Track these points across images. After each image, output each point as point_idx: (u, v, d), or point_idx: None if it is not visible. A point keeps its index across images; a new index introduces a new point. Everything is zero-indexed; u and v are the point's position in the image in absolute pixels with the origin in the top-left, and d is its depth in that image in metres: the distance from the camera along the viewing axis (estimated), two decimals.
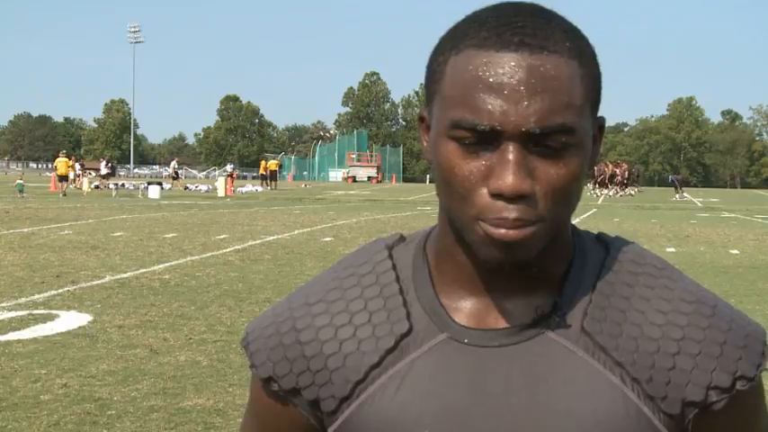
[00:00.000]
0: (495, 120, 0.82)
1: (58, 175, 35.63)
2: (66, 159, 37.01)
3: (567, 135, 0.83)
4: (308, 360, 0.95)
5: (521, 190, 0.82)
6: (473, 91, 0.83)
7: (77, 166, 44.32)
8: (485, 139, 0.83)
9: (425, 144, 0.93)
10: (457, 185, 0.85)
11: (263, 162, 52.93)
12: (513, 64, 0.83)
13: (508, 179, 0.82)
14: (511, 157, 0.82)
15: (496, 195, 0.83)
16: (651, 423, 0.89)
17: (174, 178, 49.82)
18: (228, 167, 54.72)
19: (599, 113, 0.92)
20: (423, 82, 0.93)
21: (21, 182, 33.53)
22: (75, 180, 40.51)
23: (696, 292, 0.94)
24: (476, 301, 0.93)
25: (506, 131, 0.82)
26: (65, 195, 33.20)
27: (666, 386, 0.89)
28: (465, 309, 0.93)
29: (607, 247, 0.97)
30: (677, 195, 42.26)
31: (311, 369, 0.95)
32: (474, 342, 0.91)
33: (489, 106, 0.82)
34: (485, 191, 0.84)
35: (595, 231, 1.03)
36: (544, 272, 0.93)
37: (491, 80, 0.83)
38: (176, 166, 53.19)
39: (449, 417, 0.90)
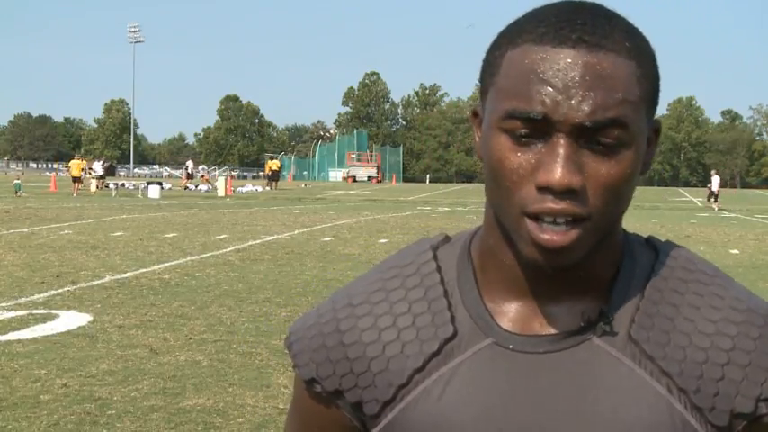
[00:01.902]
0: (547, 109, 0.81)
1: (71, 177, 36.96)
2: (79, 162, 38.40)
3: (620, 130, 0.82)
4: (352, 362, 0.94)
5: (570, 183, 0.81)
6: (528, 83, 0.83)
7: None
8: (536, 132, 0.83)
9: (477, 140, 0.92)
10: (505, 179, 0.84)
11: (268, 162, 53.40)
12: (569, 60, 0.82)
13: (557, 172, 0.81)
14: (561, 150, 0.81)
15: (544, 189, 0.82)
16: None
17: (189, 177, 50.62)
18: (189, 164, 54.45)
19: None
20: (477, 77, 0.92)
21: (18, 182, 33.61)
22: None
23: (747, 300, 0.92)
24: (521, 305, 0.92)
25: (558, 122, 0.81)
26: (76, 196, 33.81)
27: (714, 397, 0.87)
28: (510, 313, 0.92)
29: (656, 251, 0.96)
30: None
31: (354, 371, 0.94)
32: (519, 348, 0.90)
33: (543, 97, 0.82)
34: (532, 185, 0.83)
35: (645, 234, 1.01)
36: (592, 275, 0.91)
37: (547, 74, 0.82)
38: (193, 166, 54.39)
39: (492, 423, 0.89)
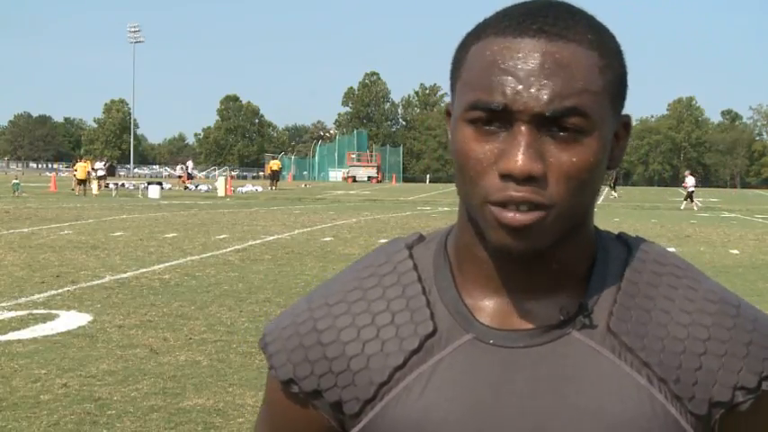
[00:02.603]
0: (507, 99, 0.82)
1: (77, 179, 37.40)
2: (86, 164, 38.92)
3: (581, 118, 0.83)
4: (330, 361, 0.93)
5: (530, 170, 0.82)
6: (489, 73, 0.84)
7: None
8: (498, 122, 0.84)
9: (450, 137, 0.92)
10: (469, 169, 0.85)
11: (270, 162, 53.79)
12: (529, 49, 0.84)
13: (518, 160, 0.81)
14: (521, 138, 0.82)
15: (506, 176, 0.83)
16: (678, 424, 0.88)
17: (189, 177, 50.92)
18: (179, 168, 54.64)
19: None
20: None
21: (16, 181, 33.67)
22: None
23: (719, 292, 0.93)
24: (499, 301, 0.92)
25: (518, 112, 0.82)
26: (86, 196, 34.30)
27: (693, 386, 0.88)
28: (488, 308, 0.92)
29: (629, 246, 0.97)
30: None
31: (333, 371, 0.93)
32: (499, 343, 0.90)
33: (503, 87, 0.83)
34: (496, 173, 0.84)
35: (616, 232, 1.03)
36: (566, 270, 0.92)
37: (507, 63, 0.84)
38: (192, 166, 54.65)
39: (475, 418, 0.89)
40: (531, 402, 0.88)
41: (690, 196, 36.52)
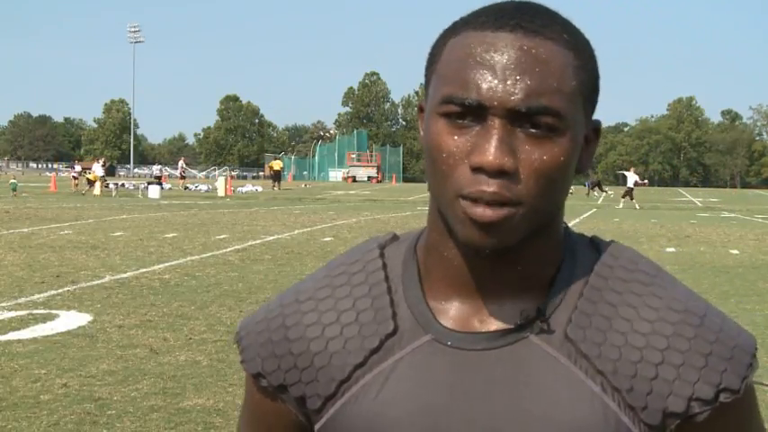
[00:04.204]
0: (482, 95, 0.83)
1: (87, 179, 37.95)
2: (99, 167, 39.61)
3: (554, 118, 0.83)
4: (296, 357, 0.95)
5: (502, 165, 0.82)
6: (465, 67, 0.84)
7: (78, 168, 44.85)
8: (472, 116, 0.84)
9: (422, 133, 0.93)
10: (441, 162, 0.85)
11: (271, 162, 53.97)
12: (505, 43, 0.84)
13: (489, 153, 0.82)
14: (494, 132, 0.82)
15: (477, 170, 0.83)
16: None
17: (182, 177, 51.12)
18: (155, 168, 54.56)
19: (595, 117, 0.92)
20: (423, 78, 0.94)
21: (14, 181, 33.71)
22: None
23: (686, 301, 0.92)
24: (462, 303, 0.92)
25: (492, 107, 0.82)
26: (94, 196, 34.69)
27: (647, 396, 0.87)
28: (451, 310, 0.92)
29: (599, 251, 0.96)
30: (596, 193, 37.90)
31: (298, 366, 0.95)
32: (457, 345, 0.90)
33: (478, 82, 0.83)
34: (468, 167, 0.84)
35: (591, 234, 1.02)
36: (532, 274, 0.91)
37: (483, 56, 0.84)
38: (184, 166, 54.76)
39: (428, 418, 0.89)
40: (483, 405, 0.88)
41: (629, 193, 34.47)
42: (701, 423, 0.88)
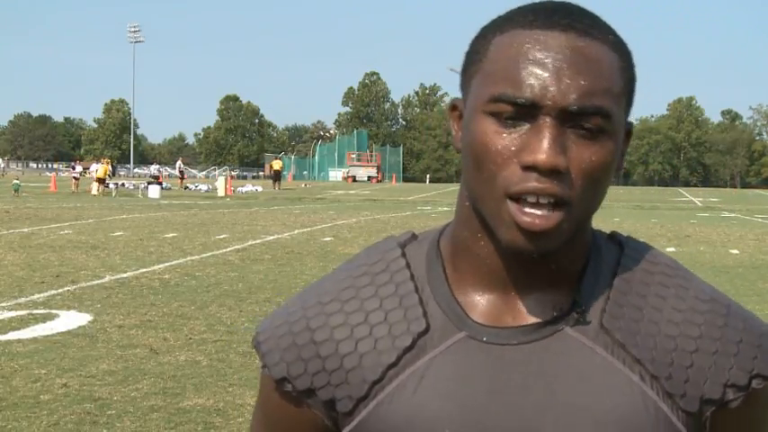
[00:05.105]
0: (535, 94, 0.82)
1: (97, 177, 37.91)
2: (106, 165, 39.54)
3: (604, 119, 0.84)
4: (324, 360, 0.93)
5: (555, 163, 0.81)
6: (516, 66, 0.84)
7: (78, 168, 44.79)
8: (522, 115, 0.83)
9: (455, 133, 0.92)
10: (489, 161, 0.84)
11: (272, 162, 53.91)
12: (558, 43, 0.84)
13: (543, 152, 0.81)
14: (547, 131, 0.82)
15: (529, 169, 0.82)
16: (669, 420, 0.88)
17: (181, 178, 51.31)
18: (153, 168, 54.52)
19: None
20: (460, 67, 0.93)
21: (17, 182, 33.75)
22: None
23: (710, 291, 0.94)
24: (492, 298, 0.92)
25: (545, 107, 0.82)
26: (104, 195, 34.98)
27: (685, 384, 0.89)
28: (481, 306, 0.92)
29: (621, 245, 0.97)
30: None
31: (326, 369, 0.93)
32: (492, 340, 0.90)
33: (531, 81, 0.83)
34: (517, 165, 0.83)
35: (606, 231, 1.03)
36: (562, 268, 0.92)
37: (536, 56, 0.84)
38: (182, 166, 54.98)
39: (468, 416, 0.89)
40: (522, 399, 0.88)
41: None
42: (733, 410, 0.91)
